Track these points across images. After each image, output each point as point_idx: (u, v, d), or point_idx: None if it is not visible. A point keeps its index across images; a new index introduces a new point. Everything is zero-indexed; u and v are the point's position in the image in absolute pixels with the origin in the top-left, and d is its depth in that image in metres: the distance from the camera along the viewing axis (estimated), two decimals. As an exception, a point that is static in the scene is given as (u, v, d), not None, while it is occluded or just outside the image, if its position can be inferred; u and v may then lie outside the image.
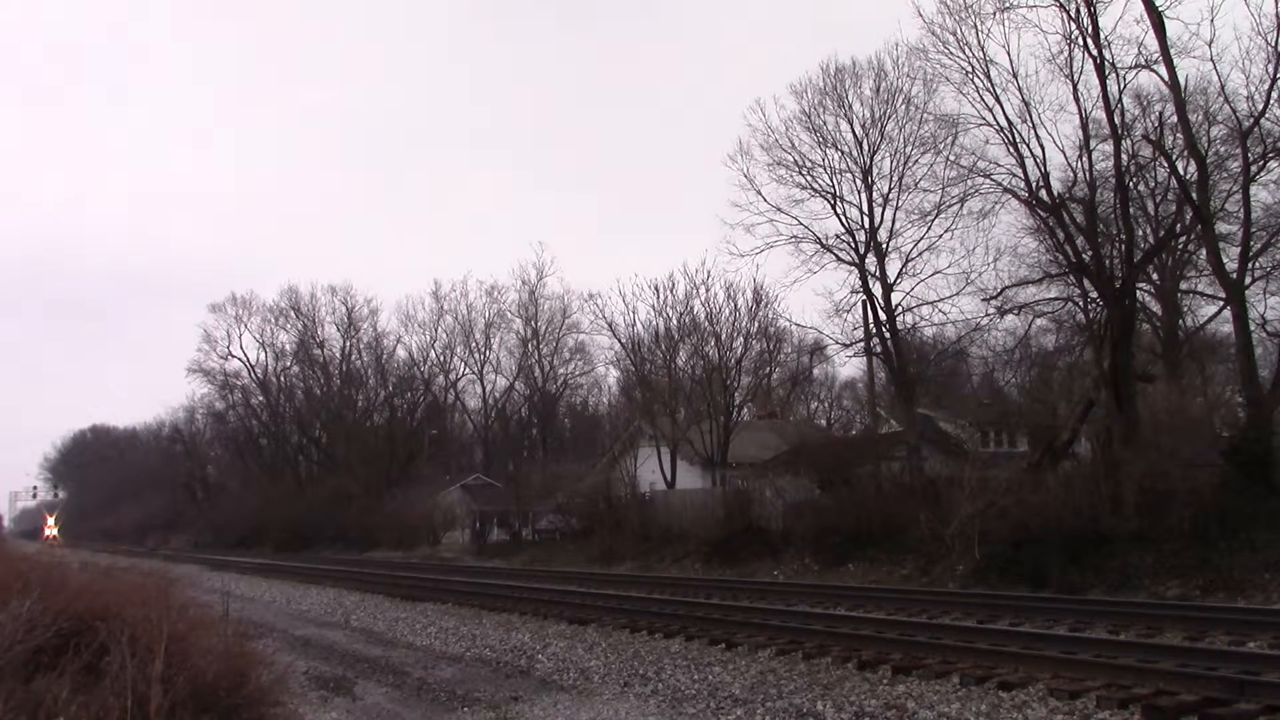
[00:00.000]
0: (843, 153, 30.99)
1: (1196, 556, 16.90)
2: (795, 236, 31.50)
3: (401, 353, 69.33)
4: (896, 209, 30.64)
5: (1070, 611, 14.01)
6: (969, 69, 25.15)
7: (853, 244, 31.05)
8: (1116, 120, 23.17)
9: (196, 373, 74.67)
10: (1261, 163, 23.28)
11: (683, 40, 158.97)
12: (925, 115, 28.91)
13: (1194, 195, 22.50)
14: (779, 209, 31.55)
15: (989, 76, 24.93)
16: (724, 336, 39.48)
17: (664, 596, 19.51)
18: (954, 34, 25.17)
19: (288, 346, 74.13)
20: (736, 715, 8.84)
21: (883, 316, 30.55)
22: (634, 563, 30.33)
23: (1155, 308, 31.76)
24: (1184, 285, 31.45)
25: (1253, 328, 24.54)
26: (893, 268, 30.80)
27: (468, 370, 67.03)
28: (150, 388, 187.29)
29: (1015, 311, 28.28)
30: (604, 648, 12.97)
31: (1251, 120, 22.07)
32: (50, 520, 75.41)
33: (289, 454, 75.65)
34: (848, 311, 31.11)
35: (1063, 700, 8.45)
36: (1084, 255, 24.36)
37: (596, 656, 12.27)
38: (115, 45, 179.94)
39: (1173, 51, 21.71)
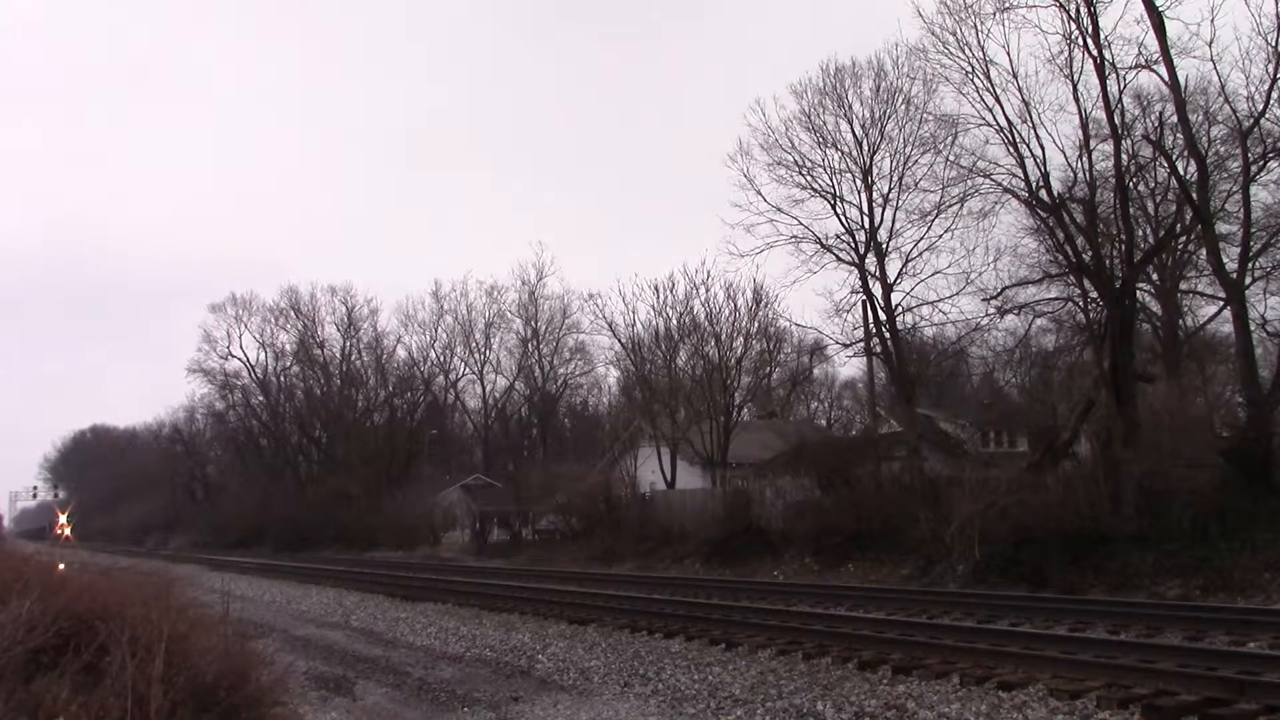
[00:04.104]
0: (843, 153, 30.98)
1: (1196, 556, 16.90)
2: (795, 236, 31.48)
3: (401, 353, 69.39)
4: (896, 209, 30.62)
5: (1070, 611, 14.01)
6: (969, 69, 25.15)
7: (853, 244, 31.05)
8: (1116, 120, 23.17)
9: (196, 373, 74.69)
10: (1261, 163, 23.26)
11: (683, 40, 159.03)
12: (925, 115, 28.88)
13: (1194, 195, 22.50)
14: (779, 209, 31.53)
15: (989, 76, 24.93)
16: (724, 336, 39.49)
17: (664, 596, 19.52)
18: (954, 34, 25.15)
19: (288, 346, 74.18)
20: (736, 715, 8.84)
21: (883, 316, 30.53)
22: (634, 563, 30.33)
23: (1155, 308, 31.74)
24: (1184, 285, 31.43)
25: (1253, 328, 24.52)
26: (893, 268, 30.81)
27: (468, 370, 67.09)
28: (150, 388, 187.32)
29: (1015, 311, 28.28)
30: (604, 648, 12.97)
31: (1251, 120, 22.06)
32: (63, 519, 74.19)
33: (289, 454, 75.62)
34: (848, 311, 31.11)
35: (1063, 700, 8.45)
36: (1084, 255, 24.35)
37: (596, 656, 12.27)
38: (116, 46, 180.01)
39: (1173, 51, 21.71)
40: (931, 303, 30.27)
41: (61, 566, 14.84)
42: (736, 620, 14.37)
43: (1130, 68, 22.72)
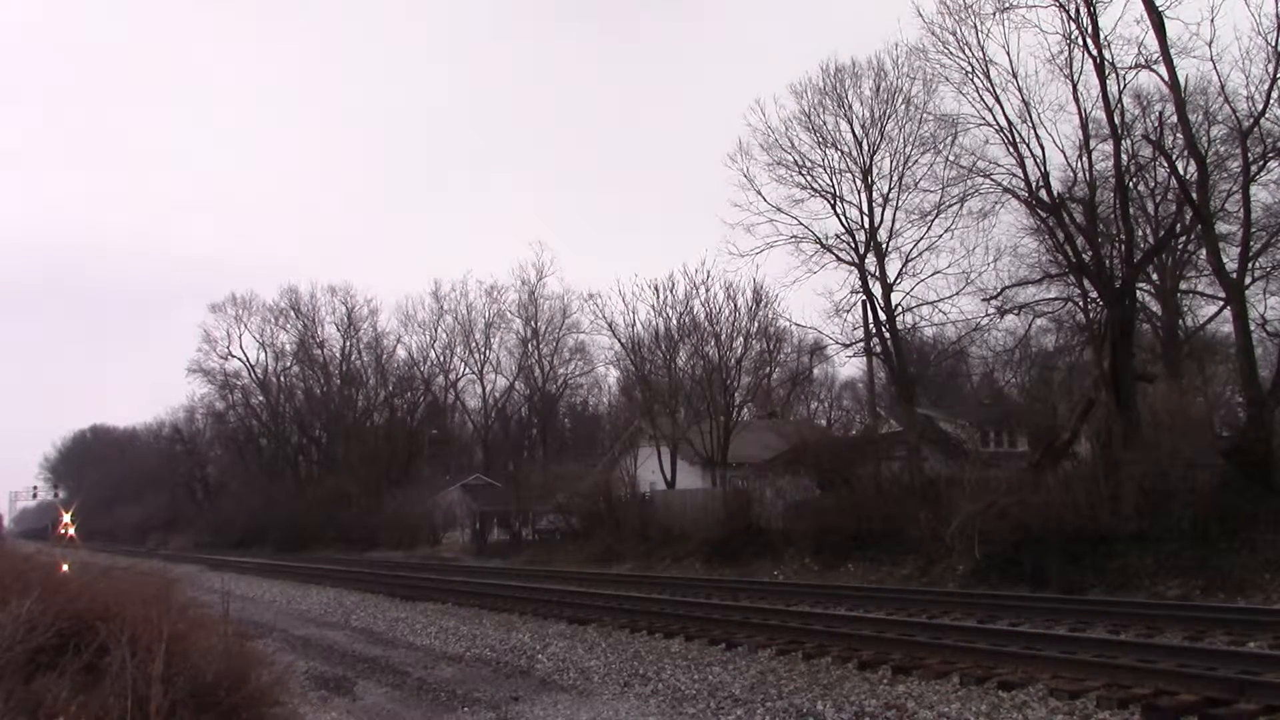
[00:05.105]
0: (842, 153, 31.02)
1: (1196, 556, 16.89)
2: (795, 236, 31.53)
3: (401, 353, 69.46)
4: (896, 209, 30.67)
5: (1070, 611, 14.01)
6: (969, 69, 25.18)
7: (853, 244, 31.08)
8: (1116, 120, 23.19)
9: (196, 373, 74.81)
10: (1261, 163, 23.26)
11: (683, 40, 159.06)
12: (925, 115, 28.92)
13: (1194, 195, 22.49)
14: (779, 209, 31.58)
15: (989, 76, 24.96)
16: (724, 336, 39.48)
17: (664, 596, 19.51)
18: (954, 34, 25.19)
19: (288, 346, 74.28)
20: (736, 715, 8.84)
21: (883, 316, 30.55)
22: (634, 563, 30.32)
23: (1155, 308, 31.77)
24: (1184, 285, 31.46)
25: (1253, 328, 24.55)
26: (893, 268, 30.84)
27: (468, 370, 67.11)
28: (150, 388, 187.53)
29: (1015, 311, 28.30)
30: (604, 648, 12.97)
31: (1251, 120, 22.05)
32: (66, 517, 72.37)
33: (289, 454, 75.64)
34: (848, 311, 31.15)
35: (1063, 700, 8.45)
36: (1084, 255, 24.36)
37: (596, 656, 12.27)
38: (117, 46, 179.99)
39: (1173, 51, 21.71)
40: (931, 303, 30.33)
41: (65, 567, 14.83)
42: (736, 620, 14.36)
43: (1130, 68, 22.76)
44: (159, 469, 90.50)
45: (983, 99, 25.16)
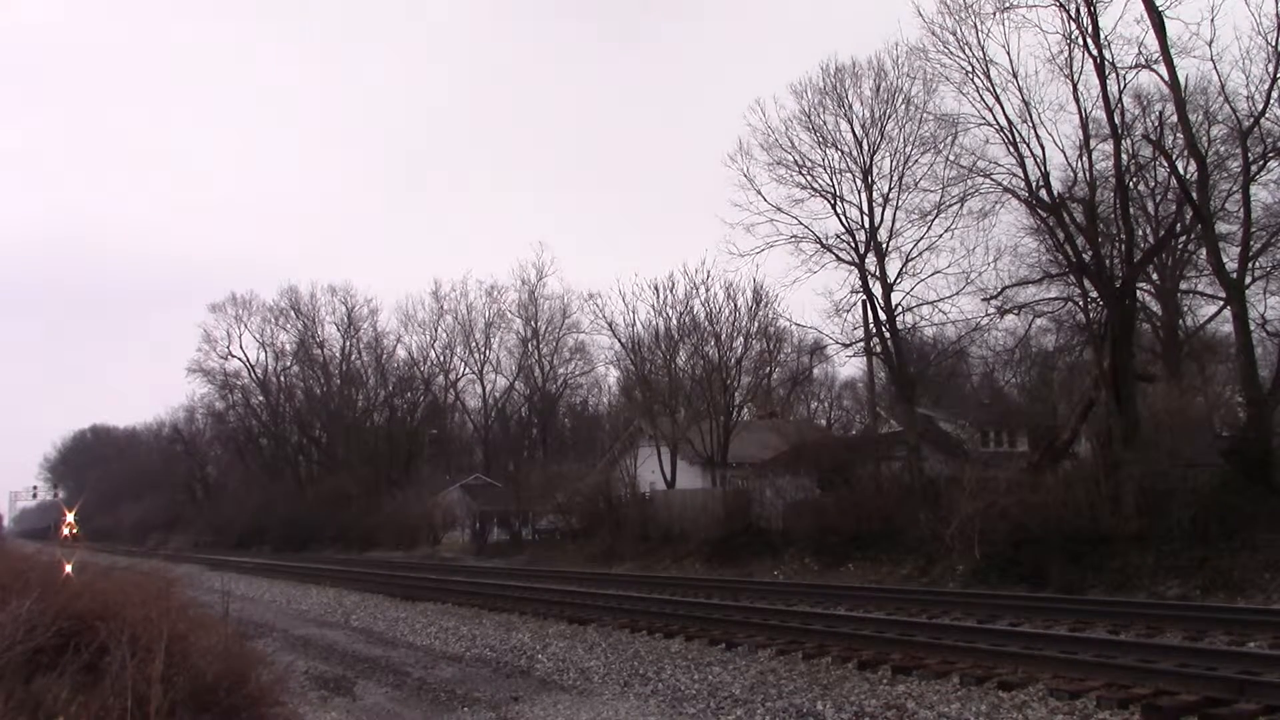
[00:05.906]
0: (843, 152, 30.96)
1: (1196, 556, 16.90)
2: (795, 236, 31.47)
3: (401, 352, 69.48)
4: (896, 209, 30.60)
5: (1070, 611, 14.01)
6: (969, 69, 25.15)
7: (853, 244, 31.04)
8: (1116, 120, 23.17)
9: (196, 373, 74.79)
10: (1261, 162, 23.26)
11: (683, 40, 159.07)
12: (925, 115, 28.85)
13: (1194, 195, 22.49)
14: (779, 209, 31.51)
15: (989, 76, 24.93)
16: (724, 336, 39.48)
17: (664, 596, 19.51)
18: (954, 34, 25.16)
19: (288, 346, 74.30)
20: (736, 715, 8.84)
21: (883, 316, 30.51)
22: (634, 563, 30.32)
23: (1155, 308, 31.74)
24: (1184, 285, 31.42)
25: (1253, 328, 24.51)
26: (893, 267, 30.78)
27: (468, 370, 67.13)
28: (150, 388, 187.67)
29: (1015, 311, 28.27)
30: (604, 648, 12.97)
31: (1251, 120, 22.06)
32: (69, 517, 69.33)
33: (289, 454, 75.63)
34: (848, 311, 31.10)
35: (1063, 700, 8.45)
36: (1084, 255, 24.35)
37: (596, 656, 12.26)
38: (116, 46, 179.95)
39: (1173, 51, 21.72)
40: (931, 302, 30.27)
41: (69, 568, 14.77)
42: (736, 620, 14.36)
43: (1130, 67, 22.75)
44: (159, 469, 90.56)
45: (983, 99, 25.16)
